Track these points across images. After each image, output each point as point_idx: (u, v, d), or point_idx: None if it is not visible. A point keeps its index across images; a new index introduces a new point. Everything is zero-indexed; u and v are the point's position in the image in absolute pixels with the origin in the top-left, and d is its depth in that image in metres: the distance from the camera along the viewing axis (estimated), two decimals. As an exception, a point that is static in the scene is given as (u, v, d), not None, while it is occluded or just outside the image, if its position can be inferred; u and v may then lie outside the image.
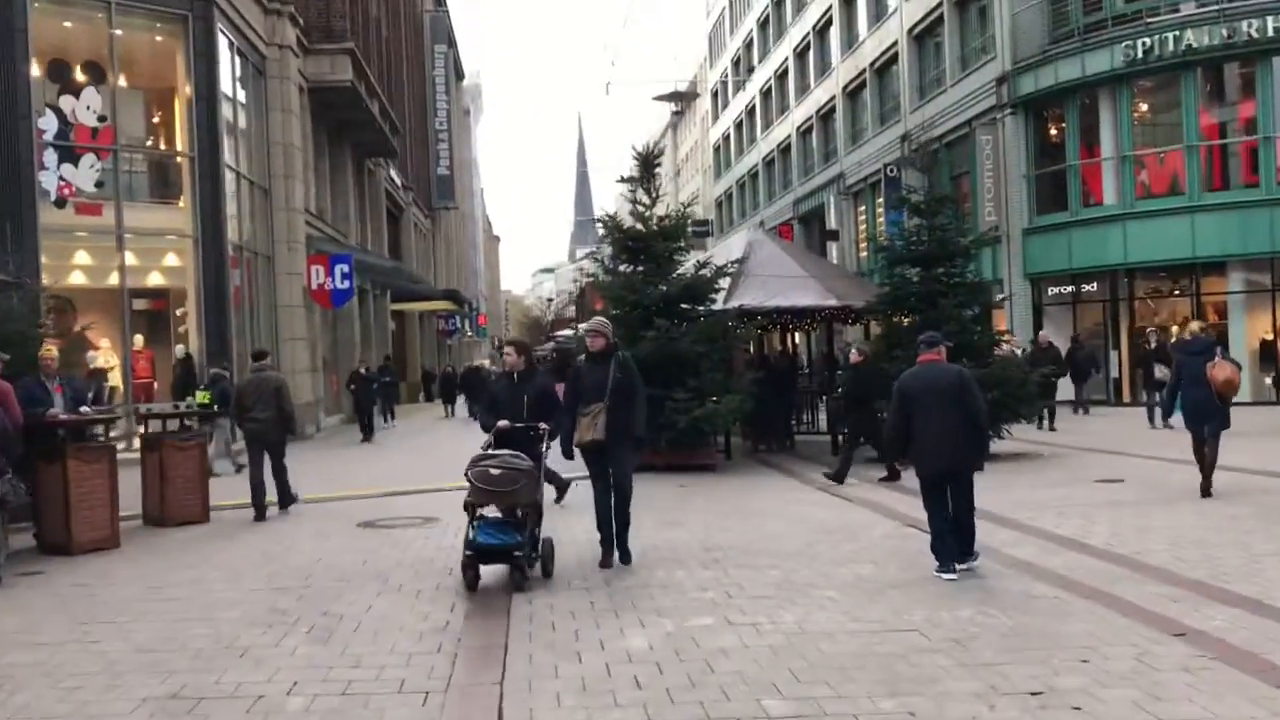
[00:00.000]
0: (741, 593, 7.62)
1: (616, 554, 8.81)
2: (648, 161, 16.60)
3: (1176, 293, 27.16)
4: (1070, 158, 28.22)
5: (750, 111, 60.02)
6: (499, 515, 8.21)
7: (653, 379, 15.78)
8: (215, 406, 15.86)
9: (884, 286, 17.30)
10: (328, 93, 28.15)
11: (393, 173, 43.62)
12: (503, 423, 8.55)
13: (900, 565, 8.56)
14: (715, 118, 70.83)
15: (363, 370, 26.36)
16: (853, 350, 15.86)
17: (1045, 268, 28.84)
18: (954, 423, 8.06)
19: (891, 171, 35.69)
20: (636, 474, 14.83)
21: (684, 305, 16.63)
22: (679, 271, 16.56)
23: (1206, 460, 11.71)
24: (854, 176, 42.16)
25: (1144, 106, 27.70)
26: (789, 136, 51.79)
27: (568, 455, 8.88)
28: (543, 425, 8.59)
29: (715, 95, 70.32)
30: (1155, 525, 9.81)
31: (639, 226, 16.59)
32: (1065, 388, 22.53)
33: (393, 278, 36.43)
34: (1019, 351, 18.61)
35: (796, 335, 28.25)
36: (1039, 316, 29.06)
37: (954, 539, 8.14)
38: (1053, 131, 29.62)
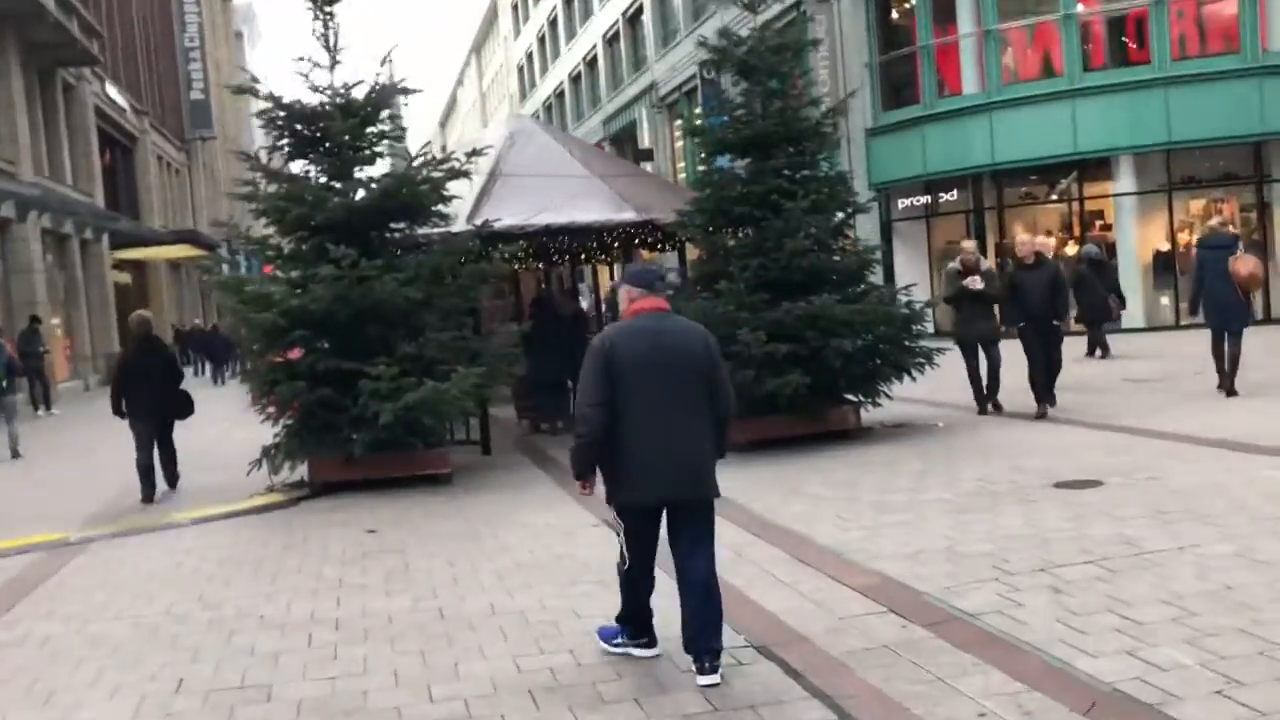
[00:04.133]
0: None
1: None
2: (320, -4, 10.36)
3: (1054, 198, 22.52)
4: (922, 38, 23.11)
5: (553, 23, 53.50)
6: None
7: (342, 346, 9.95)
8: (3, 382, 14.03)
9: (703, 190, 11.62)
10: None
11: (112, 91, 35.61)
12: None
13: None
14: (517, 34, 63.95)
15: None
16: None
17: (895, 175, 23.86)
18: (694, 419, 4.71)
19: (708, 73, 30.03)
20: (305, 502, 9.18)
21: (394, 226, 10.65)
22: (381, 172, 10.49)
23: (1228, 358, 11.28)
24: (667, 85, 36.55)
25: (1007, -29, 22.85)
26: (594, 47, 45.74)
27: None
28: None
29: (515, 8, 63.34)
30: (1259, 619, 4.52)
31: (314, 103, 10.40)
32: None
33: (74, 213, 28.76)
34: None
35: (595, 267, 22.40)
36: (888, 233, 24.13)
37: (701, 615, 4.63)
38: (897, 11, 24.56)
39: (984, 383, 11.60)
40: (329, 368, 9.60)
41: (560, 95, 53.23)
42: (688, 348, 4.72)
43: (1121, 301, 17.25)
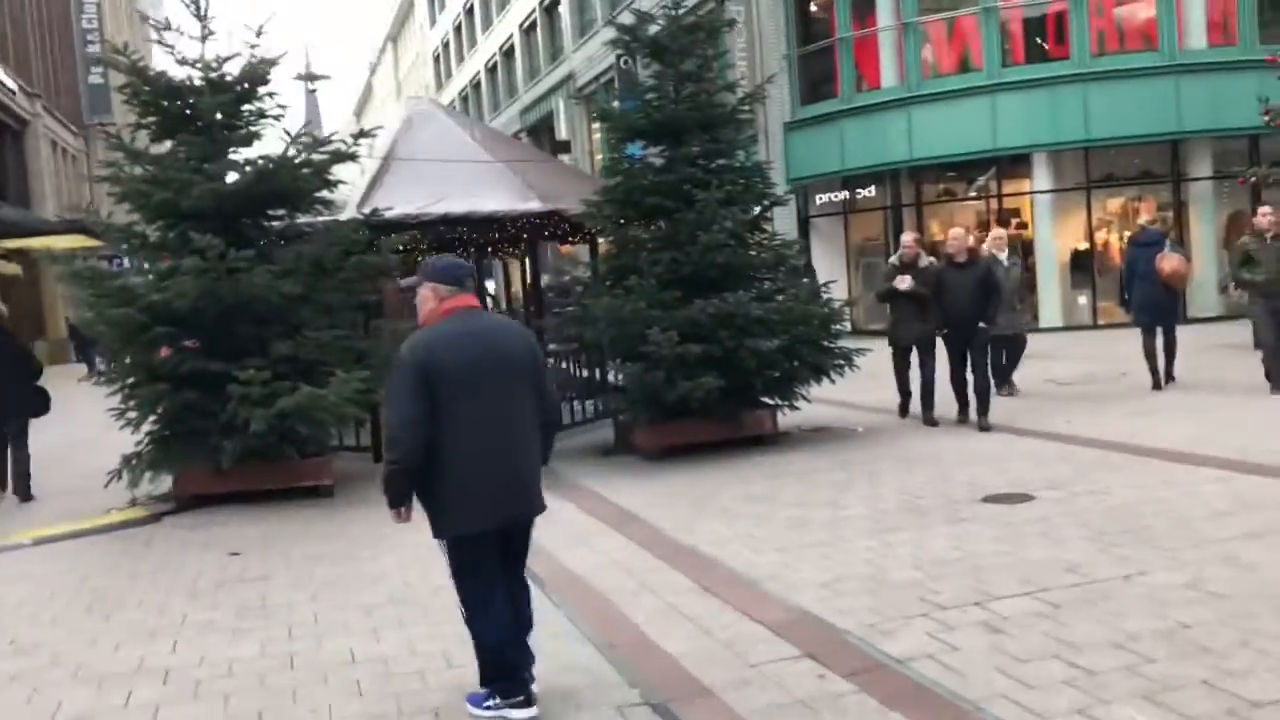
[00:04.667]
0: None
1: None
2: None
3: (973, 195, 22.22)
4: (841, 30, 22.66)
5: (469, 11, 52.32)
6: None
7: (211, 345, 9.05)
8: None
9: (613, 179, 10.90)
10: None
11: (-3, 71, 33.78)
12: None
13: None
14: (433, 23, 62.53)
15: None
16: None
17: (813, 170, 23.36)
18: (527, 427, 4.21)
19: (625, 63, 29.33)
20: (168, 518, 8.27)
21: (273, 213, 9.75)
22: (257, 157, 9.56)
23: (1164, 349, 11.55)
24: (585, 76, 35.78)
25: (928, -37, 22.51)
26: (511, 37, 44.75)
27: None
28: None
29: (431, -3, 61.95)
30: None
31: (181, 78, 9.44)
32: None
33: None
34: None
35: (505, 261, 21.53)
36: (806, 229, 23.67)
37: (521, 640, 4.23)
38: (816, 3, 24.07)
39: (913, 390, 10.81)
40: (195, 369, 8.68)
41: (477, 86, 52.13)
42: (514, 349, 4.21)
43: None
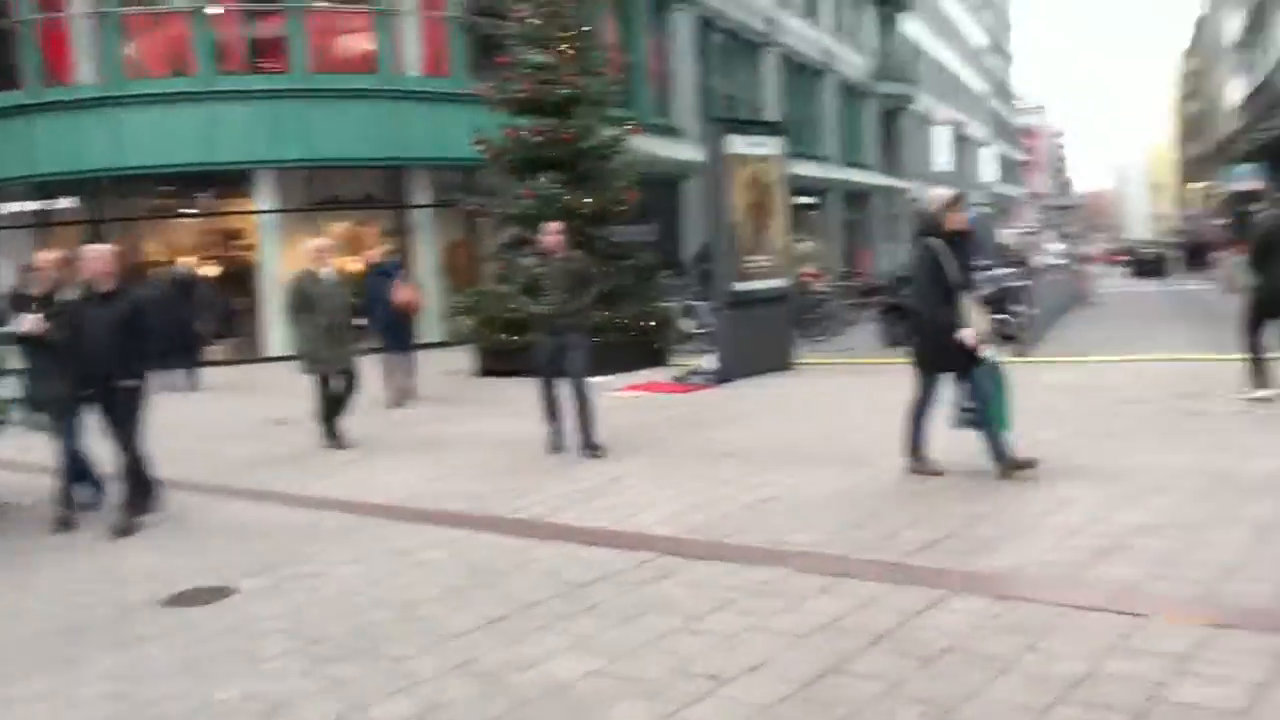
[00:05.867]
0: None
1: None
2: None
3: (194, 212, 20.07)
4: (22, 10, 19.13)
5: None
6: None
7: None
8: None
9: None
10: None
11: None
12: None
13: None
14: None
15: None
16: None
17: (1, 174, 19.52)
18: None
19: None
20: None
21: None
22: None
23: (401, 373, 12.43)
24: None
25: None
26: None
27: None
28: None
29: None
30: None
31: None
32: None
33: None
34: None
35: None
36: (-10, 242, 19.66)
37: None
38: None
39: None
40: None
41: None
42: None
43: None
